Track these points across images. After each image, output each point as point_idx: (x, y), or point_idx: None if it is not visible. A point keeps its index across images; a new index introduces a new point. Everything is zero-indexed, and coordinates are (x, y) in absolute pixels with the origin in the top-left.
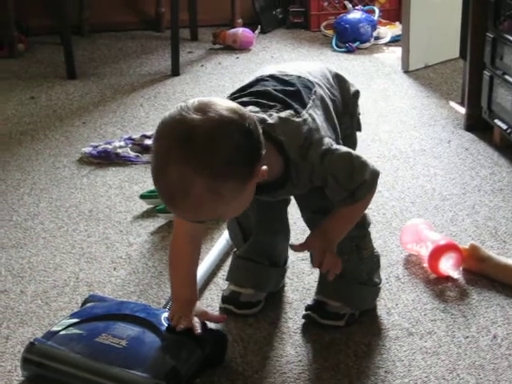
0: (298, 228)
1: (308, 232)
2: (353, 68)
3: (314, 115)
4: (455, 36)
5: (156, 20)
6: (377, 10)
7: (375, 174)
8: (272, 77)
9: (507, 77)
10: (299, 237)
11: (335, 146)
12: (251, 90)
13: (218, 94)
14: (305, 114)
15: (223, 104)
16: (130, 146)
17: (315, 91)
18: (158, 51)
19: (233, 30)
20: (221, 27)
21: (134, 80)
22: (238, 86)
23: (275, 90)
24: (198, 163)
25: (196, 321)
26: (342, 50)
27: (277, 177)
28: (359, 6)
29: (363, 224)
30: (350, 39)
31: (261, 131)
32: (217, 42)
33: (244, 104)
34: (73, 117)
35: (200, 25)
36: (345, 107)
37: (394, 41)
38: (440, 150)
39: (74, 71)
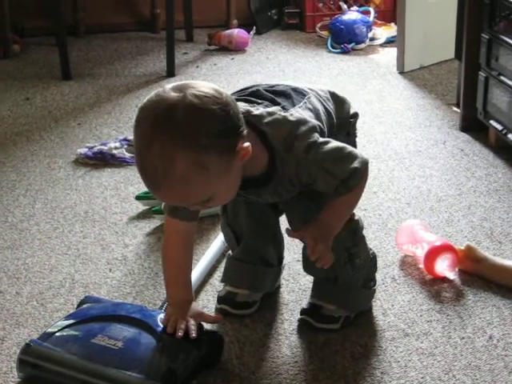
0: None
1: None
2: (348, 69)
3: (302, 113)
4: (450, 37)
5: (151, 21)
6: (372, 11)
7: (365, 162)
8: (265, 85)
9: (502, 78)
10: (292, 243)
11: (322, 140)
12: (242, 92)
13: None
14: (291, 111)
15: (200, 83)
16: (125, 147)
17: (308, 97)
18: (153, 52)
19: (228, 31)
20: (216, 28)
21: (129, 81)
22: (232, 86)
23: (266, 90)
24: (179, 136)
25: (192, 323)
26: (338, 51)
27: (262, 171)
28: (354, 7)
29: (355, 230)
30: (346, 40)
31: (240, 110)
32: (212, 42)
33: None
34: (68, 118)
35: (195, 26)
36: (341, 124)
37: (390, 42)
38: (435, 150)
39: (69, 72)
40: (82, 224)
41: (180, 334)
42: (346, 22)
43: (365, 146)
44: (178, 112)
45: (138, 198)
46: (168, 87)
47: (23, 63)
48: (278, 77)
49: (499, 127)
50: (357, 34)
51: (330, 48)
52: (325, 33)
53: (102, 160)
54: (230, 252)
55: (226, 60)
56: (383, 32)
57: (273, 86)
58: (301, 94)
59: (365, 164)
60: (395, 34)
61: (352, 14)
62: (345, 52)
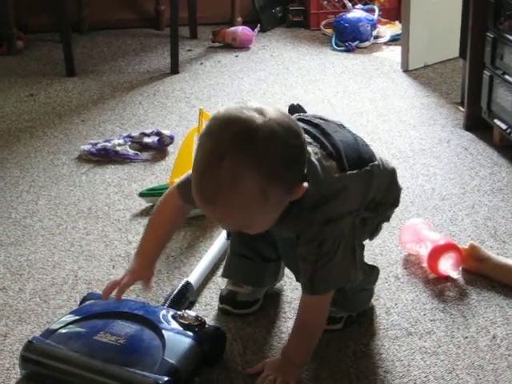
0: None
1: None
2: (352, 67)
3: (354, 183)
4: (455, 35)
5: (155, 18)
6: (376, 9)
7: (346, 279)
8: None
9: (507, 77)
10: None
11: (347, 233)
12: (322, 125)
13: (217, 93)
14: (344, 175)
15: (281, 112)
16: (129, 143)
17: (373, 164)
18: (157, 49)
19: (232, 29)
20: (220, 25)
21: (133, 78)
22: (236, 83)
23: (339, 139)
24: (257, 159)
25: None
26: (342, 49)
27: None
28: (359, 5)
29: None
30: (350, 38)
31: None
32: (216, 40)
33: (305, 131)
34: (72, 114)
35: (199, 23)
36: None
37: (394, 40)
38: (439, 149)
39: (73, 69)
40: (86, 221)
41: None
42: (351, 20)
43: (369, 145)
44: (259, 135)
45: (142, 194)
46: (249, 105)
47: (27, 60)
48: (281, 74)
49: (503, 126)
50: (361, 32)
51: (335, 46)
52: (329, 31)
53: (105, 157)
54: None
55: (230, 57)
56: (387, 30)
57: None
58: (368, 154)
59: (330, 297)
60: (399, 32)
61: (356, 12)
62: (349, 50)
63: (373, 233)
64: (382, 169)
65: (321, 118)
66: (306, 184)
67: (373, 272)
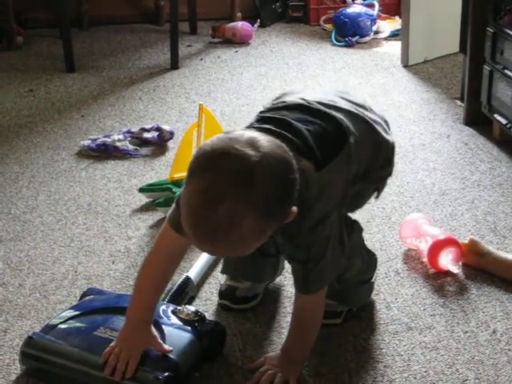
0: None
1: None
2: (352, 62)
3: (332, 173)
4: (455, 30)
5: (155, 13)
6: (376, 4)
7: (338, 271)
8: (311, 105)
9: (507, 71)
10: None
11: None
12: (287, 118)
13: (216, 88)
14: (323, 173)
15: (271, 141)
16: (128, 139)
17: (348, 144)
18: (157, 44)
19: (232, 24)
20: (220, 21)
21: (132, 73)
22: (236, 79)
23: (307, 129)
24: (255, 202)
25: (133, 363)
26: (342, 44)
27: None
28: (359, 0)
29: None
30: (350, 33)
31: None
32: (216, 35)
33: (271, 132)
34: (71, 110)
35: (199, 18)
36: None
37: (394, 35)
38: (439, 144)
39: (72, 64)
40: (85, 216)
41: (118, 377)
42: (351, 15)
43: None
44: (256, 176)
45: (141, 190)
46: (239, 137)
47: (26, 55)
48: (281, 69)
49: (503, 121)
50: (361, 27)
51: (334, 41)
52: (329, 26)
53: (105, 152)
54: None
55: (230, 53)
56: (387, 25)
57: (320, 117)
58: (340, 141)
59: (324, 292)
60: (399, 27)
61: (356, 7)
62: (349, 45)
63: (378, 193)
64: (360, 140)
65: (284, 105)
66: (295, 208)
67: (371, 258)
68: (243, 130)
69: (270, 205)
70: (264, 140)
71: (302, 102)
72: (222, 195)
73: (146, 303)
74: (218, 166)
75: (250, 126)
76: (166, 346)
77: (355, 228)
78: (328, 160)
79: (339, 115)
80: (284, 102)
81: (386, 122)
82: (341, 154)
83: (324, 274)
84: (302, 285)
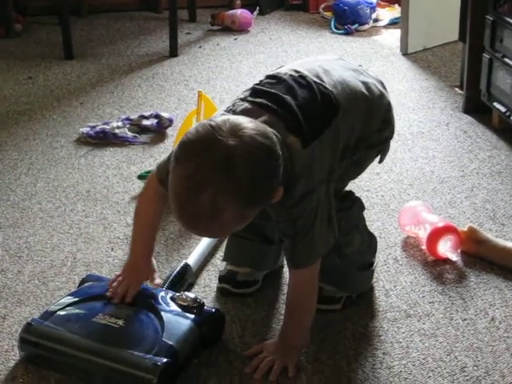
0: None
1: None
2: (351, 50)
3: (319, 149)
4: (454, 19)
5: (154, 1)
6: None
7: (327, 247)
8: (303, 78)
9: (507, 59)
10: None
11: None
12: (279, 92)
13: (216, 75)
14: (309, 150)
15: (254, 128)
16: (127, 126)
17: (336, 118)
18: (156, 32)
19: (231, 12)
20: (219, 8)
21: (131, 61)
22: (235, 66)
23: (297, 105)
24: (236, 190)
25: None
26: (341, 32)
27: None
28: None
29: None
30: (349, 21)
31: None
32: (215, 23)
33: (262, 106)
34: (70, 97)
35: (198, 6)
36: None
37: (393, 23)
38: (438, 132)
39: (71, 51)
40: (84, 203)
41: (117, 299)
42: (350, 3)
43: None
44: (238, 164)
45: (140, 177)
46: (221, 124)
47: (25, 42)
48: (280, 57)
49: (503, 109)
50: (360, 15)
51: (334, 29)
52: (328, 14)
53: (104, 139)
54: None
55: (229, 40)
56: (387, 13)
57: (309, 92)
58: (329, 114)
59: (315, 270)
60: (399, 15)
61: None
62: (348, 33)
63: (381, 156)
64: (351, 109)
65: (278, 77)
66: (281, 188)
67: (371, 240)
68: (228, 115)
69: (251, 192)
70: (248, 127)
71: (295, 74)
72: (205, 183)
73: (145, 239)
74: (201, 155)
75: (244, 99)
76: (159, 280)
77: (356, 203)
78: (315, 137)
79: (330, 87)
80: (278, 73)
81: (381, 82)
82: (328, 130)
83: (312, 248)
84: (291, 259)
